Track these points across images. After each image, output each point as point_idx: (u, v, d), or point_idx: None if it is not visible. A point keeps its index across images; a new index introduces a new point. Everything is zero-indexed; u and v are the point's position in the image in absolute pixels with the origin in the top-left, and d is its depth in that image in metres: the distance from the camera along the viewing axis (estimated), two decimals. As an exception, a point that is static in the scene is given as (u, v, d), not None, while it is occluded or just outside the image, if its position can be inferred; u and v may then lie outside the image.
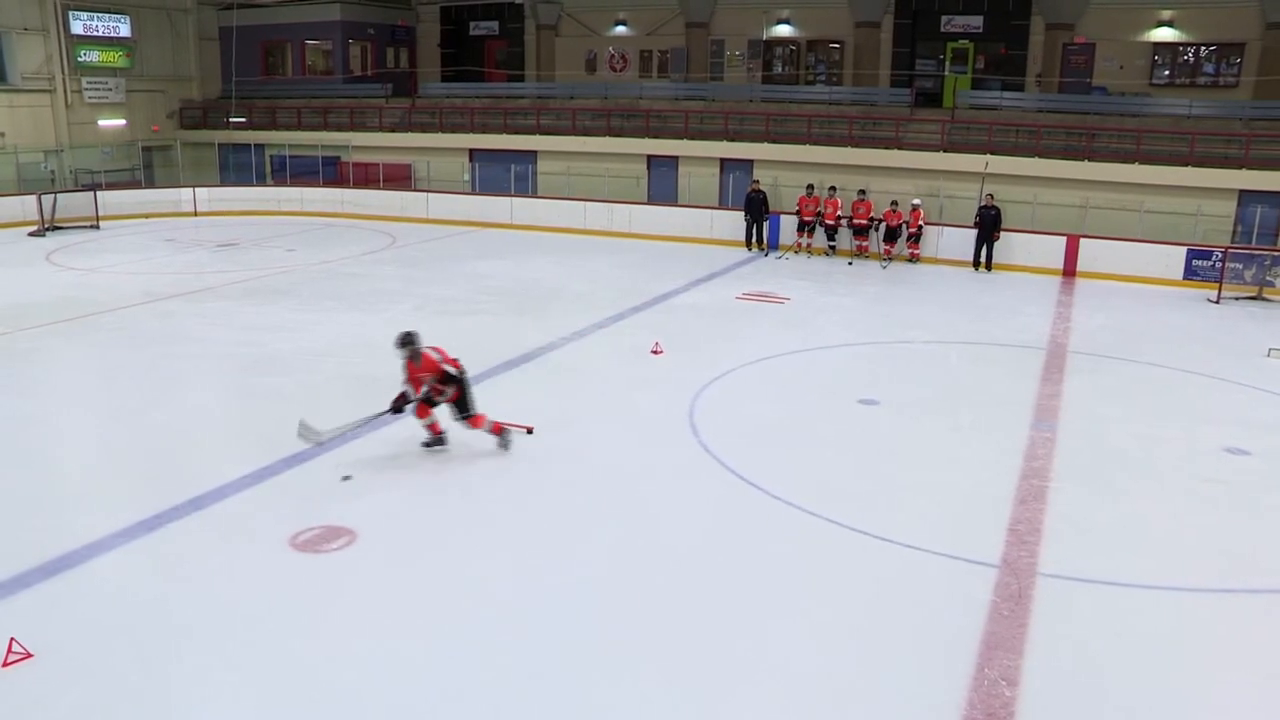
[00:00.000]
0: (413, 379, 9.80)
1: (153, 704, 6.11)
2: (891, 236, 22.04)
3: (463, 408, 9.93)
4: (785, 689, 6.31)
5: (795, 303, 17.91)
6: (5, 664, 6.37)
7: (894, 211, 21.94)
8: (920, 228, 21.93)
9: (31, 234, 24.57)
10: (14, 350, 14.03)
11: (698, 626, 7.04)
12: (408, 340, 9.81)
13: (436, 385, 9.79)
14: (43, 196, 25.13)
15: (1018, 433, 11.01)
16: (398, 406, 9.81)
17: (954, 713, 6.02)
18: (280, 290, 18.50)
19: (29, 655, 6.45)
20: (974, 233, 21.49)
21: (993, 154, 22.61)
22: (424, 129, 30.53)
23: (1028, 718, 5.99)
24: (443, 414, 10.07)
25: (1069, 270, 21.07)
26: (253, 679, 6.35)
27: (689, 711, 6.07)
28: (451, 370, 9.76)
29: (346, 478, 9.33)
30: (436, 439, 10.15)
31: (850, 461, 10.24)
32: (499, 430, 10.07)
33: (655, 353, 14.05)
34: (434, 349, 9.84)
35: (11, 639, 6.49)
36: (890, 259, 22.11)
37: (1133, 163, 21.81)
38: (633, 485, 9.54)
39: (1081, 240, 21.06)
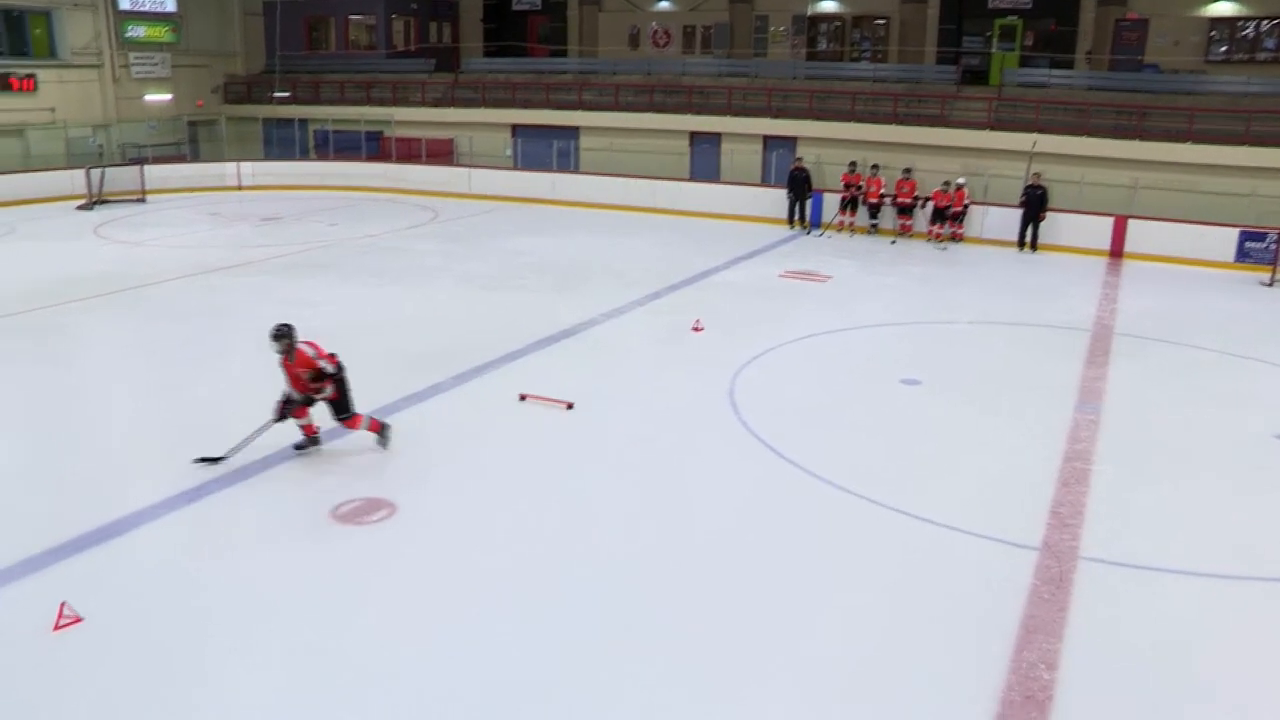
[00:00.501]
0: (290, 376, 9.15)
1: (196, 667, 6.21)
2: (940, 217, 21.72)
3: (340, 408, 9.32)
4: (821, 668, 6.30)
5: (837, 281, 17.78)
6: (56, 627, 6.52)
7: (944, 192, 21.62)
8: (965, 207, 21.66)
9: (80, 207, 24.93)
10: (61, 323, 14.26)
11: (735, 604, 7.04)
12: (282, 334, 9.09)
13: (312, 384, 9.14)
14: (91, 171, 25.49)
15: (1061, 415, 10.88)
16: (283, 413, 9.18)
17: (991, 696, 5.98)
18: (322, 265, 18.65)
19: (78, 619, 6.59)
20: (1019, 212, 21.18)
21: (1040, 133, 22.28)
22: (466, 104, 30.56)
23: (1066, 702, 5.94)
24: (321, 414, 9.51)
25: (1116, 251, 20.72)
26: (294, 646, 6.44)
27: (722, 690, 6.07)
28: (328, 367, 9.11)
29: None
30: (311, 440, 9.50)
31: (891, 441, 10.17)
32: (377, 428, 9.50)
33: (696, 330, 14.02)
34: (309, 344, 9.16)
35: (62, 604, 6.63)
36: (945, 240, 21.73)
37: (1185, 142, 21.37)
38: (672, 463, 9.54)
39: (1130, 221, 20.69)
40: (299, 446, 9.45)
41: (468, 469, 9.35)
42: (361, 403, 9.81)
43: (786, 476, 9.21)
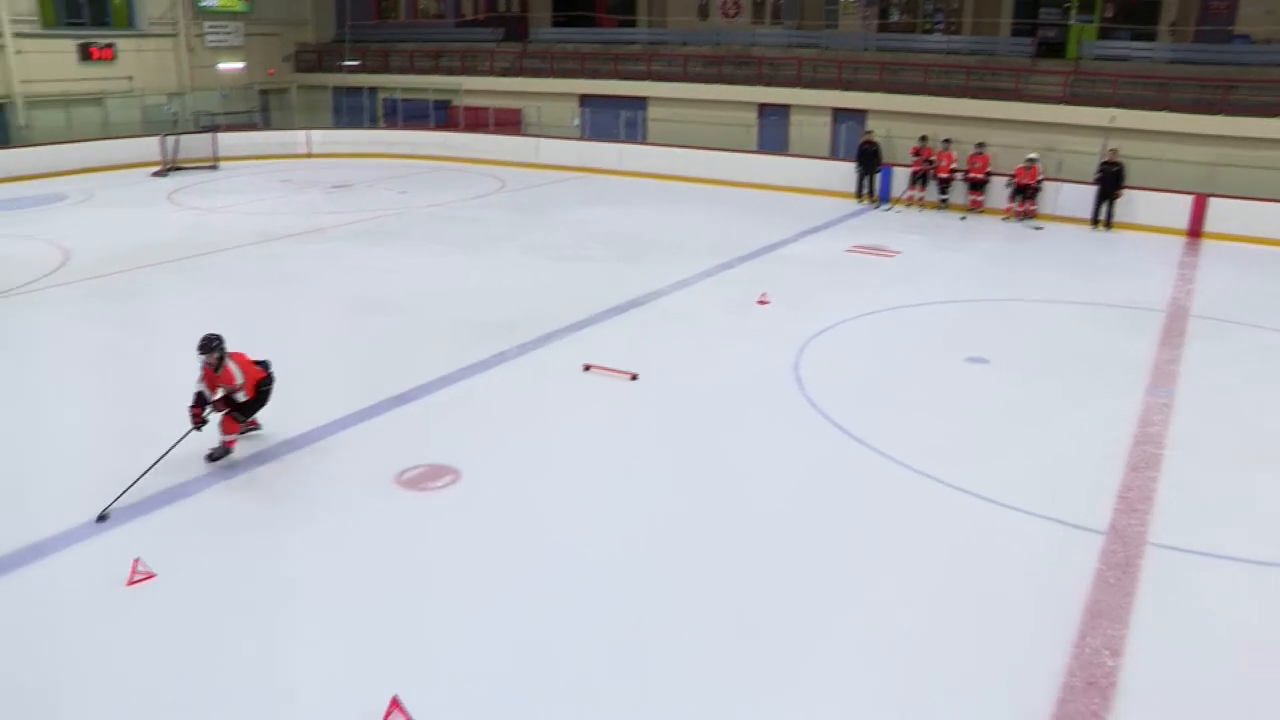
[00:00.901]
0: (210, 387, 8.50)
1: (262, 624, 6.39)
2: (1021, 194, 21.19)
3: (245, 411, 8.74)
4: (879, 644, 6.29)
5: (905, 257, 17.57)
6: (130, 583, 6.74)
7: (1025, 168, 21.10)
8: (1038, 184, 21.20)
9: (154, 174, 25.51)
10: (136, 287, 14.62)
11: (795, 576, 7.05)
12: (213, 345, 8.44)
13: (224, 400, 8.54)
14: (165, 138, 26.05)
15: (1132, 397, 10.66)
16: (200, 418, 8.44)
17: (1053, 680, 5.92)
18: (391, 232, 18.87)
19: (151, 575, 6.81)
20: (1093, 189, 20.68)
21: (1118, 107, 21.65)
22: (534, 74, 30.59)
23: (1130, 690, 5.86)
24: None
25: (1194, 230, 20.14)
26: (357, 606, 6.59)
27: (778, 666, 6.09)
28: (242, 398, 8.59)
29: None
30: (225, 452, 8.73)
31: (957, 420, 10.06)
32: (230, 446, 8.72)
33: (761, 303, 13.97)
34: (236, 356, 8.58)
35: (135, 560, 6.86)
36: (1027, 218, 21.26)
37: (1274, 116, 20.61)
38: (735, 436, 9.54)
39: (1210, 199, 20.09)
40: (213, 457, 8.68)
41: (531, 438, 9.44)
42: (427, 370, 9.93)
43: (850, 452, 9.17)
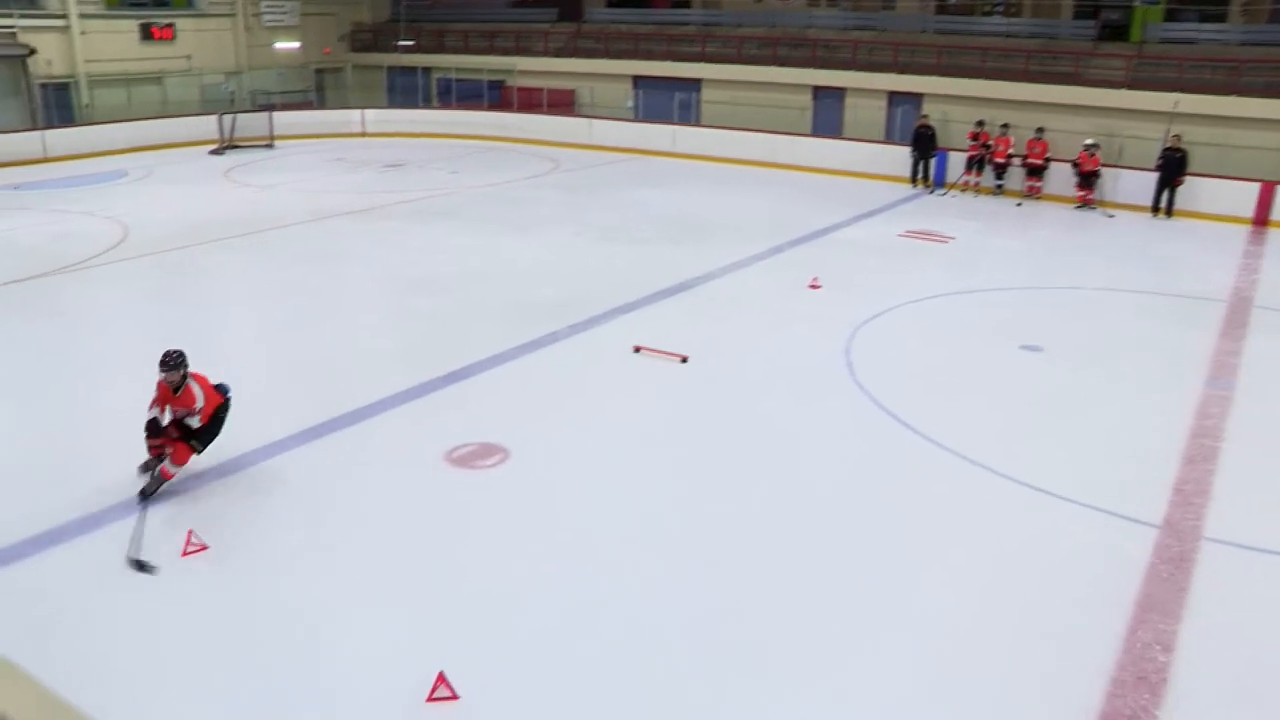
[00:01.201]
0: (162, 408, 7.71)
1: (311, 596, 6.48)
2: (1088, 182, 20.78)
3: (202, 439, 7.79)
4: (925, 637, 6.25)
5: (959, 243, 17.34)
6: (184, 554, 6.87)
7: (1090, 155, 20.66)
8: (1096, 171, 20.80)
9: (212, 152, 25.87)
10: (193, 263, 14.87)
11: (842, 564, 7.02)
12: (178, 362, 7.61)
13: (175, 425, 7.73)
14: (222, 116, 26.39)
15: (1190, 389, 10.46)
16: (161, 451, 7.69)
17: (1102, 675, 5.84)
18: (444, 212, 18.99)
19: (204, 547, 6.94)
20: (1155, 176, 20.25)
21: (1182, 92, 21.15)
22: (588, 54, 30.55)
23: (1181, 686, 5.76)
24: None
25: (1260, 219, 19.65)
26: (405, 582, 6.67)
27: (823, 656, 6.07)
28: (195, 423, 7.70)
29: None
30: (160, 483, 7.69)
31: (1009, 408, 9.94)
32: (168, 478, 7.72)
33: (813, 287, 13.89)
34: (197, 378, 7.75)
35: (189, 531, 6.99)
36: (1084, 205, 20.87)
37: (1352, 102, 19.96)
38: (784, 420, 9.51)
39: (1279, 187, 19.59)
40: (145, 494, 7.62)
41: (581, 419, 9.48)
42: (477, 349, 9.97)
43: (900, 439, 9.10)
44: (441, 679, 5.51)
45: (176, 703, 5.48)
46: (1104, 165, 20.79)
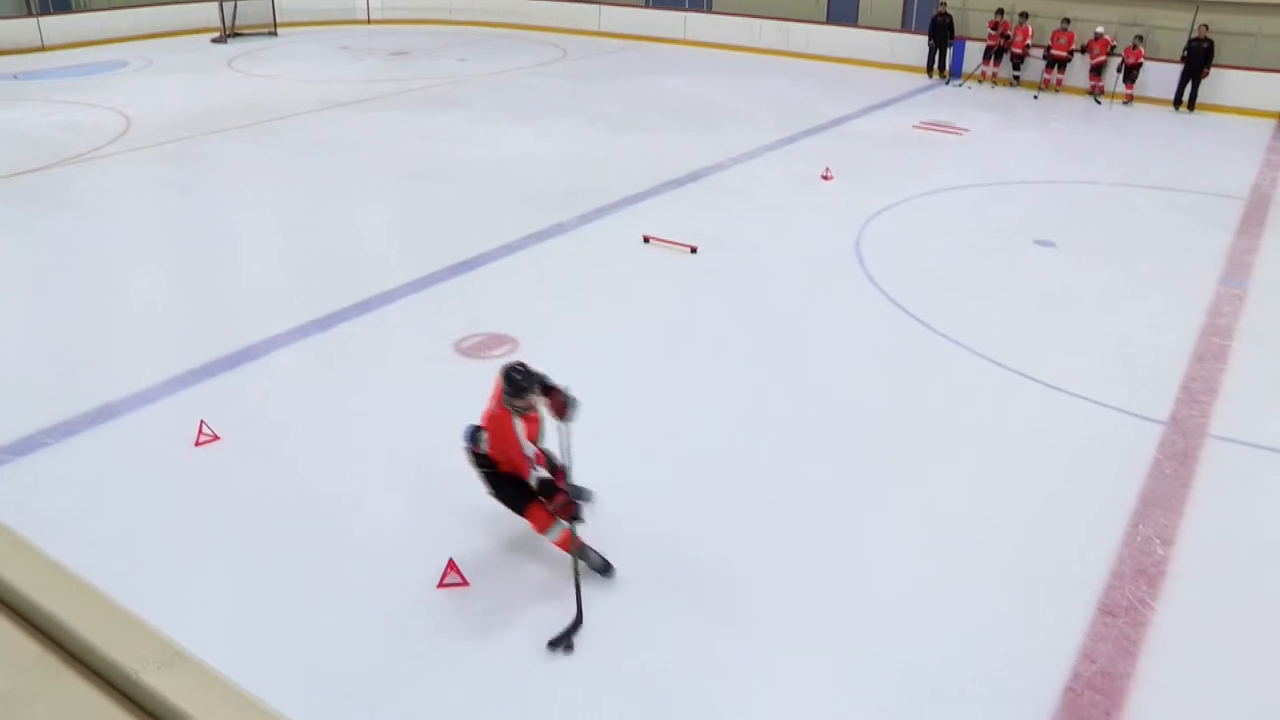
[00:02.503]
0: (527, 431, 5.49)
1: (324, 485, 6.57)
2: (1130, 76, 20.21)
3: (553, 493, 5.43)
4: (932, 527, 6.33)
5: (974, 135, 17.05)
6: (197, 444, 6.94)
7: (1135, 48, 20.03)
8: (1105, 61, 20.22)
9: (214, 40, 25.32)
10: (197, 154, 14.68)
11: (852, 455, 7.07)
12: (526, 381, 5.42)
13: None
14: (224, 3, 25.71)
15: (1204, 287, 10.38)
16: (573, 509, 5.47)
17: (1102, 566, 5.93)
18: (451, 100, 18.68)
19: (217, 438, 7.00)
20: (1178, 68, 19.72)
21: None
22: (598, -63, 29.63)
23: (1179, 579, 5.85)
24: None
25: (1286, 113, 19.22)
26: (416, 470, 6.75)
27: (835, 549, 6.16)
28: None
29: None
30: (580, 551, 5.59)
31: (1020, 303, 9.89)
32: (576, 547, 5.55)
33: (825, 179, 13.71)
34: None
35: (201, 421, 7.05)
36: (1130, 101, 20.35)
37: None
38: (794, 312, 9.48)
39: (1308, 79, 19.05)
40: (598, 568, 5.68)
41: (590, 308, 9.47)
42: (486, 239, 9.85)
43: (910, 333, 9.08)
44: (452, 565, 5.61)
45: (192, 583, 5.60)
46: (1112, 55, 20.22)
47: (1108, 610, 5.55)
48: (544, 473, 5.43)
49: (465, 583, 5.58)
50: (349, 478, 6.68)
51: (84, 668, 0.95)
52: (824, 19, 25.47)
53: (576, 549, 5.53)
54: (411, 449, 7.02)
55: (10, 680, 0.94)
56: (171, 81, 20.27)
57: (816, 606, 5.58)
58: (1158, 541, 6.18)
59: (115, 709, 0.91)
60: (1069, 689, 4.98)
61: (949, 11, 22.01)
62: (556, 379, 5.76)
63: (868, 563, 5.97)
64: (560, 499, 5.39)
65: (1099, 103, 20.07)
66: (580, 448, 7.16)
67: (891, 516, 6.43)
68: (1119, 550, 6.09)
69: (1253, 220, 12.78)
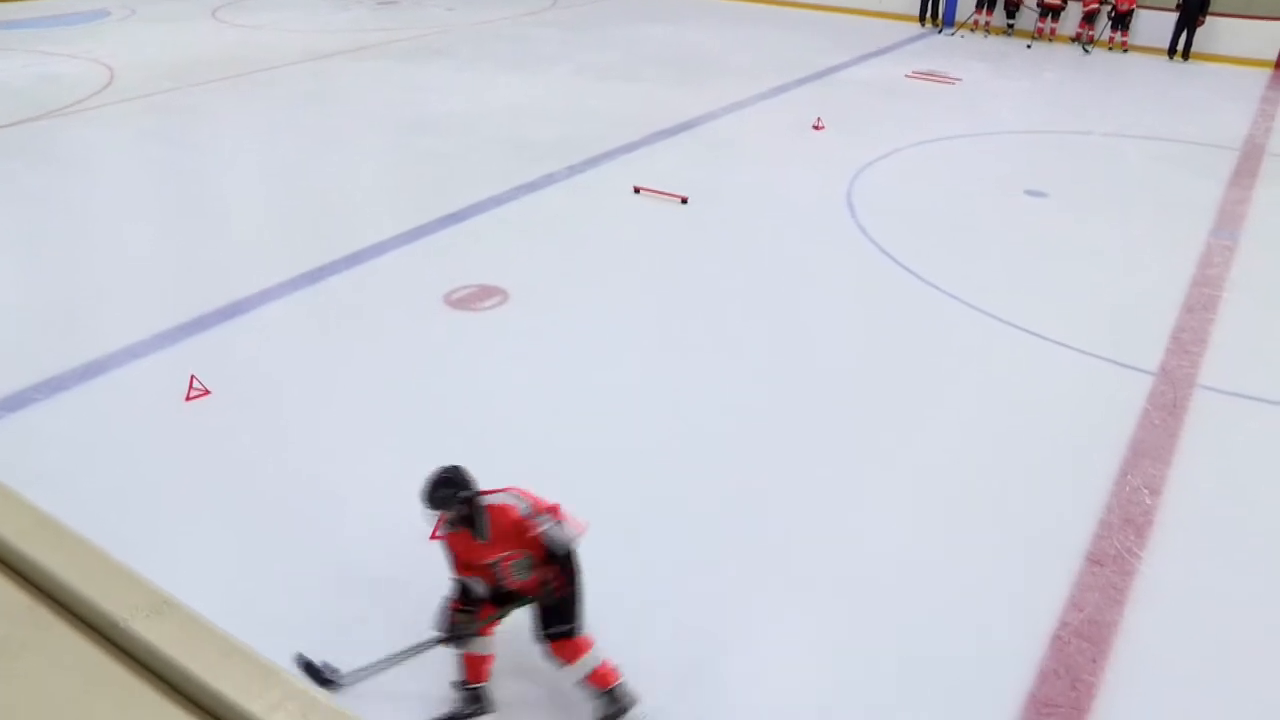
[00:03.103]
0: (464, 560, 4.44)
1: (312, 439, 6.58)
2: (1122, 23, 20.07)
3: (563, 616, 4.39)
4: (923, 477, 6.36)
5: (967, 84, 16.92)
6: (188, 399, 6.92)
7: None
8: (1097, 8, 20.06)
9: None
10: (181, 105, 14.49)
11: (841, 410, 7.09)
12: (456, 489, 4.36)
13: (517, 567, 4.35)
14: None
15: (1194, 238, 10.38)
16: (458, 626, 4.46)
17: (1091, 515, 5.98)
18: (439, 50, 18.45)
19: (207, 392, 6.98)
20: (1173, 16, 19.56)
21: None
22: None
23: (1166, 528, 5.90)
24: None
25: (1282, 63, 19.08)
26: (405, 422, 6.75)
27: (826, 495, 6.19)
28: (558, 534, 4.22)
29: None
30: (472, 691, 4.59)
31: (1011, 254, 9.88)
32: (607, 682, 4.47)
33: (816, 128, 13.62)
34: (512, 493, 4.40)
35: (192, 376, 7.02)
36: (1126, 49, 20.24)
37: None
38: (783, 262, 9.46)
39: (1302, 28, 18.90)
40: (469, 701, 4.60)
41: (580, 259, 9.44)
42: (475, 190, 9.80)
43: (900, 283, 9.07)
44: (444, 518, 5.61)
45: (182, 536, 5.62)
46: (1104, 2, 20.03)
47: (1095, 559, 5.60)
48: (477, 585, 4.43)
49: (457, 534, 5.60)
50: (339, 430, 6.68)
51: (73, 617, 0.95)
52: (816, -34, 25.17)
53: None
54: (401, 401, 7.02)
55: (0, 629, 0.94)
56: (155, 31, 19.95)
57: (802, 559, 5.62)
58: (1146, 491, 6.23)
59: (104, 657, 0.90)
60: (1056, 637, 5.04)
61: (943, -42, 21.77)
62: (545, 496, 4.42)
63: (854, 513, 6.00)
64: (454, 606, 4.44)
65: (1087, 51, 19.95)
66: (569, 395, 7.16)
67: (879, 466, 6.46)
68: (1107, 500, 6.13)
69: (1245, 171, 12.74)
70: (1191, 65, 19.37)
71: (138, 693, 0.86)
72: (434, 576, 5.39)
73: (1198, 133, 14.46)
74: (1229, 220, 10.96)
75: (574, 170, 11.72)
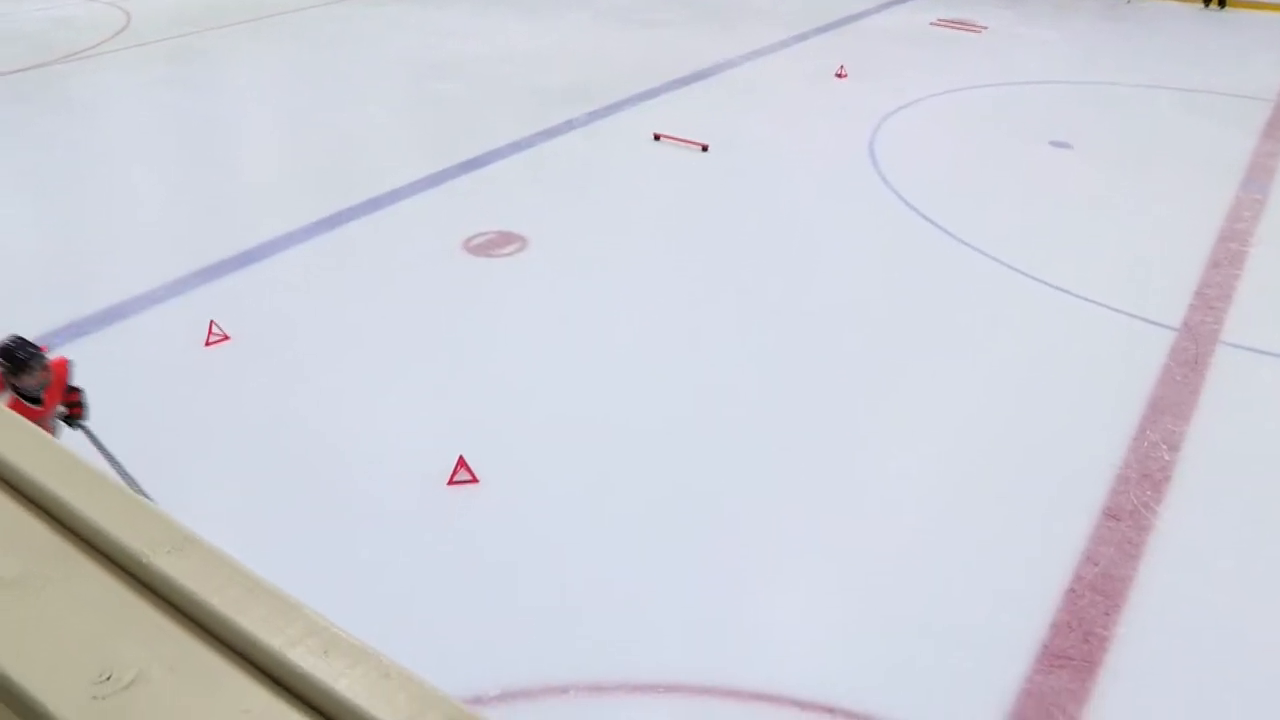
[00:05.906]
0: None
1: (334, 383, 6.62)
2: None
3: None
4: (943, 430, 6.36)
5: (993, 32, 16.62)
6: (207, 344, 6.96)
7: None
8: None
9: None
10: (199, 49, 14.41)
11: (864, 359, 7.08)
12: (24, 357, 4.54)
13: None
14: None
15: (1223, 192, 10.21)
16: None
17: (1109, 470, 5.96)
18: (457, -7, 18.23)
19: (227, 337, 7.01)
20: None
21: None
22: None
23: (1184, 484, 5.88)
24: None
25: (1320, 11, 18.61)
26: (425, 368, 6.79)
27: (843, 443, 6.20)
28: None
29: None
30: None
31: (1034, 206, 9.76)
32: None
33: (839, 76, 13.45)
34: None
35: (211, 321, 7.05)
36: None
37: None
38: (805, 212, 9.40)
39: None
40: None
41: (599, 205, 9.41)
42: (495, 136, 9.73)
43: (922, 235, 9.00)
44: (462, 463, 5.66)
45: (202, 479, 5.68)
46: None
47: (1112, 514, 5.60)
48: None
49: (475, 479, 5.64)
50: (358, 375, 6.71)
51: (96, 552, 0.95)
52: (842, -90, 24.68)
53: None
54: (421, 347, 7.04)
55: (24, 565, 0.95)
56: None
57: (821, 512, 5.63)
58: (1164, 447, 6.20)
59: (127, 591, 0.91)
60: (1070, 590, 5.05)
61: (972, -98, 21.28)
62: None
63: (872, 465, 6.01)
64: None
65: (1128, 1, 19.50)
66: (587, 342, 7.17)
67: (899, 418, 6.45)
68: (1125, 455, 6.11)
69: (1278, 124, 12.51)
70: (1228, 14, 18.90)
71: (160, 626, 0.87)
72: (455, 519, 5.44)
73: (1230, 84, 14.17)
74: (1260, 174, 10.79)
75: (593, 116, 11.62)
